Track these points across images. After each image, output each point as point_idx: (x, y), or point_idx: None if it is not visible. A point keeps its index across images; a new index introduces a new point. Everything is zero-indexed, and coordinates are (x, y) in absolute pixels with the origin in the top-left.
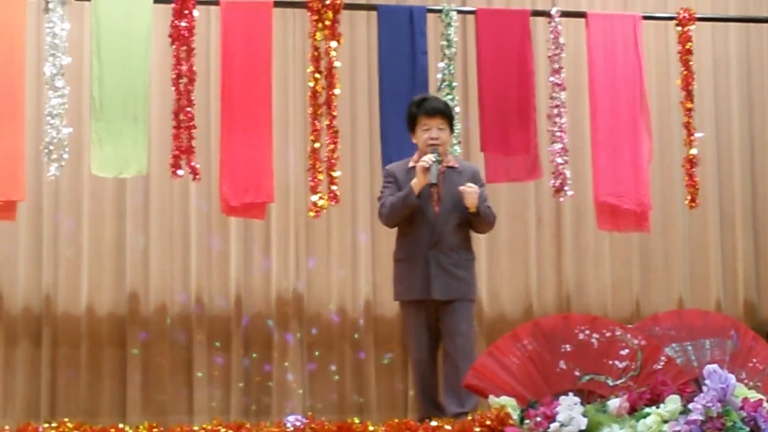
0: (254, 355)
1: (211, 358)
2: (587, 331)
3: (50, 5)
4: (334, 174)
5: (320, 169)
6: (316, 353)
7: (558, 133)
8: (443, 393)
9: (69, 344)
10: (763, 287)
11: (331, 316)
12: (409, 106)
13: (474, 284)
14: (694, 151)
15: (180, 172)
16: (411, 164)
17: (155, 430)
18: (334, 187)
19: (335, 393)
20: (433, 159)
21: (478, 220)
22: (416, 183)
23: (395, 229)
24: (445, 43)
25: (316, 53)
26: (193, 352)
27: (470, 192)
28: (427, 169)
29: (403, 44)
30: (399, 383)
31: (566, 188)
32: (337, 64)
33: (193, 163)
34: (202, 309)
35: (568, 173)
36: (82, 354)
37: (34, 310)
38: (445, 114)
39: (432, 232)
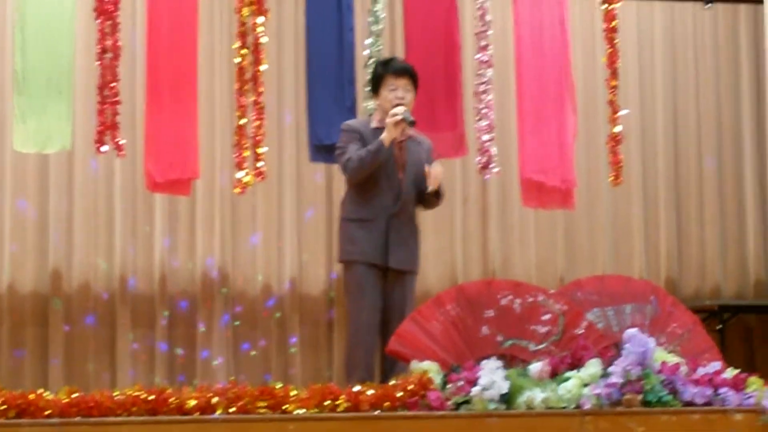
0: (179, 334)
1: (135, 336)
2: (510, 297)
3: None
4: (260, 150)
5: (246, 146)
6: (242, 332)
7: (484, 110)
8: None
9: None
10: (685, 264)
11: (256, 294)
12: (375, 67)
13: (419, 257)
14: (618, 129)
15: (104, 147)
16: (374, 124)
17: (75, 394)
18: (260, 164)
19: (261, 371)
20: (403, 109)
21: (431, 202)
22: (386, 136)
23: (335, 205)
24: (372, 19)
25: (242, 29)
26: (116, 330)
27: (437, 174)
28: (398, 122)
29: (330, 21)
30: (324, 363)
31: (492, 165)
32: (263, 39)
33: (117, 139)
34: (126, 287)
35: (494, 150)
36: (3, 332)
37: None
38: (412, 76)
39: (396, 197)
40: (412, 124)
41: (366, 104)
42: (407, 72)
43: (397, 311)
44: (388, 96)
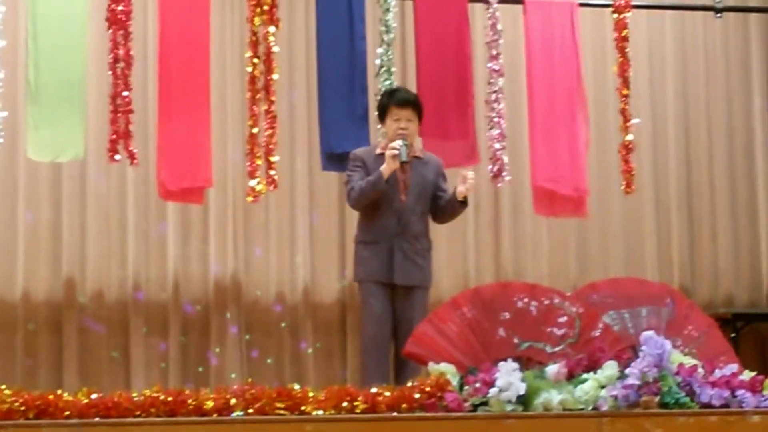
0: (192, 341)
1: (148, 344)
2: (526, 299)
3: None
4: (273, 159)
5: (258, 154)
6: (255, 340)
7: (496, 119)
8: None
9: (4, 330)
10: (698, 273)
11: (269, 301)
12: (381, 96)
13: (431, 272)
14: (630, 137)
15: (117, 156)
16: (379, 151)
17: (94, 395)
18: (272, 172)
19: (273, 379)
20: (401, 143)
21: (455, 210)
22: (386, 168)
23: (348, 214)
24: (383, 28)
25: (254, 38)
26: (130, 338)
27: (471, 181)
28: (396, 155)
29: (341, 30)
30: (337, 370)
31: (504, 174)
32: (275, 49)
33: (130, 148)
34: (139, 295)
35: (505, 159)
36: (18, 340)
37: None
38: (415, 106)
39: (398, 219)
40: (404, 163)
41: (378, 126)
42: (410, 103)
43: (407, 325)
44: (392, 126)
